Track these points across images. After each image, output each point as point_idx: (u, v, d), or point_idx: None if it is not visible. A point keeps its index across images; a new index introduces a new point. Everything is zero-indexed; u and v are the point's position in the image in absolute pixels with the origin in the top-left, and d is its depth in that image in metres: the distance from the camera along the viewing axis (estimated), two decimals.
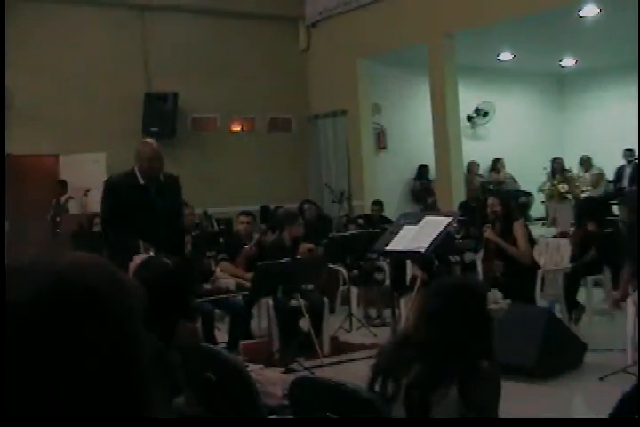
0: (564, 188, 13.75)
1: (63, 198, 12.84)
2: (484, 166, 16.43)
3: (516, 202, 10.21)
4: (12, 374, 1.04)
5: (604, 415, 5.43)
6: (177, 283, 3.48)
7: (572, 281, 8.28)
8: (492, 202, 7.96)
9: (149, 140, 7.08)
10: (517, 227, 7.66)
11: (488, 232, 7.83)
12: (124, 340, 1.10)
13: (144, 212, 6.19)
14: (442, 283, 3.40)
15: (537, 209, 15.72)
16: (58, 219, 12.62)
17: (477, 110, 16.59)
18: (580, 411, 5.84)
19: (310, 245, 8.88)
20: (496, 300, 7.69)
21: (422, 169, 15.40)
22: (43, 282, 1.07)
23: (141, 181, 6.37)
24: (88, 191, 12.27)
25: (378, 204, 12.50)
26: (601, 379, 6.08)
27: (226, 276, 8.41)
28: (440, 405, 2.95)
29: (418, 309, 3.31)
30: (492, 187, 15.39)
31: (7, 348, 1.05)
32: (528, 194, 15.65)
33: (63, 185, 12.93)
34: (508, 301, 7.61)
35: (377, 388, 3.09)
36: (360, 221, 11.70)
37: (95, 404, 1.06)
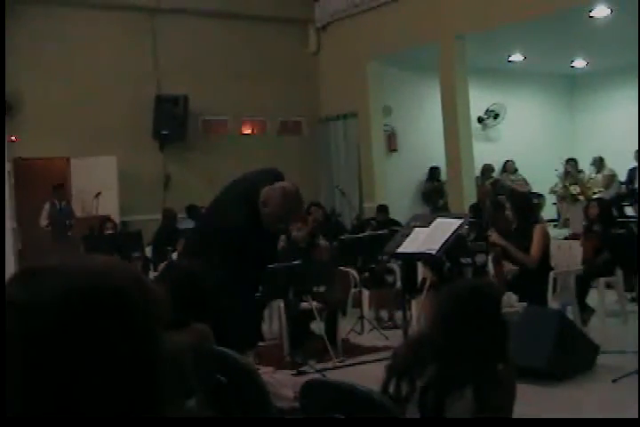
0: (575, 189, 13.71)
1: (64, 202, 12.79)
2: (495, 168, 16.40)
3: (533, 204, 10.15)
4: (31, 371, 1.05)
5: (616, 417, 5.42)
6: (197, 285, 3.50)
7: (584, 283, 8.26)
8: (507, 204, 7.96)
9: (287, 186, 5.19)
10: (537, 231, 7.61)
11: (493, 236, 7.80)
12: (144, 341, 1.11)
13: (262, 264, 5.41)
14: (458, 286, 3.40)
15: (548, 211, 15.68)
16: (67, 222, 12.60)
17: (488, 112, 16.57)
18: (592, 413, 5.81)
19: (325, 243, 8.93)
20: (511, 303, 7.66)
21: (433, 170, 15.40)
22: (73, 281, 1.09)
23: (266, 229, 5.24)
24: (99, 194, 12.30)
25: (382, 209, 12.48)
26: (614, 381, 6.06)
27: None
28: (454, 407, 2.95)
29: (433, 311, 3.31)
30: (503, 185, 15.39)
31: (31, 344, 1.06)
32: (539, 195, 15.61)
33: (61, 189, 12.86)
34: (523, 304, 7.58)
35: (391, 389, 3.09)
36: (373, 222, 11.70)
37: (109, 402, 1.07)
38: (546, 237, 7.75)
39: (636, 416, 5.45)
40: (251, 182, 5.34)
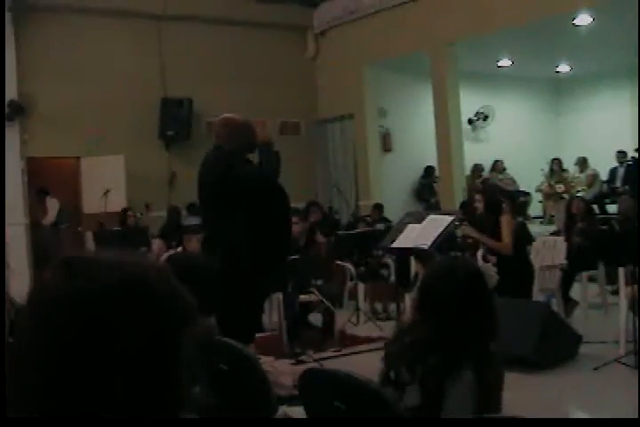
0: (560, 188, 13.73)
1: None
2: (485, 167, 16.41)
3: (513, 201, 10.10)
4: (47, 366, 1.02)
5: (598, 403, 5.44)
6: (198, 277, 3.47)
7: (568, 277, 8.27)
8: (476, 198, 7.92)
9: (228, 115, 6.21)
10: (503, 221, 7.56)
11: (466, 229, 7.77)
12: (166, 342, 1.07)
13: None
14: (445, 269, 3.26)
15: (535, 208, 15.71)
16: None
17: (478, 114, 16.58)
18: (576, 399, 5.83)
19: (322, 239, 8.95)
20: (489, 272, 7.54)
21: (429, 169, 15.35)
22: (107, 278, 1.06)
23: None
24: (108, 192, 12.31)
25: (378, 207, 12.51)
26: (595, 369, 6.08)
27: None
28: (454, 388, 2.93)
29: (426, 302, 3.20)
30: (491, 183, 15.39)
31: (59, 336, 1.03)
32: (526, 193, 15.64)
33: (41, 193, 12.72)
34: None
35: (392, 376, 3.05)
36: (368, 219, 11.72)
37: (125, 401, 1.03)
38: (512, 225, 7.66)
39: (616, 401, 5.48)
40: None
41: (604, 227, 9.49)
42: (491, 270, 7.54)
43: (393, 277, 9.21)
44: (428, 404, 2.95)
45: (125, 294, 1.04)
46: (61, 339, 1.02)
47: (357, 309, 8.89)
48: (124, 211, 11.95)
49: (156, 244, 11.38)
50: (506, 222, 7.53)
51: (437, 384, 2.94)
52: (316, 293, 7.54)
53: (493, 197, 7.99)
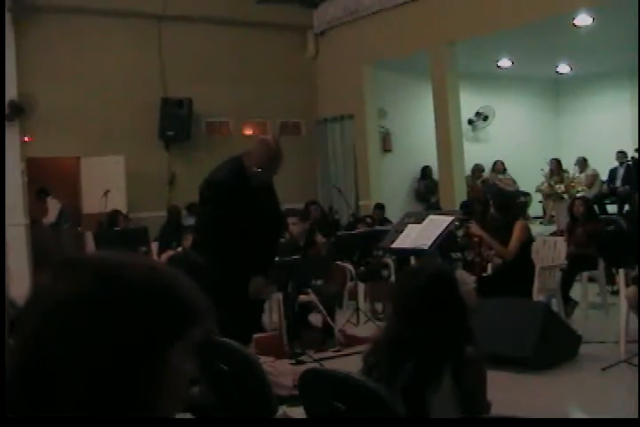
0: (560, 188, 13.72)
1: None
2: (485, 168, 16.42)
3: (514, 202, 10.10)
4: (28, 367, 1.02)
5: (598, 404, 5.44)
6: (200, 278, 3.46)
7: (568, 277, 8.27)
8: (490, 202, 7.95)
9: (269, 139, 5.99)
10: (517, 227, 7.57)
11: (472, 227, 7.77)
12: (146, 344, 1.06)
13: (251, 220, 5.57)
14: (412, 276, 3.25)
15: (535, 208, 15.71)
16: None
17: (478, 114, 16.58)
18: (575, 399, 5.82)
19: (322, 240, 8.95)
20: (464, 280, 7.54)
21: (425, 169, 15.41)
22: (82, 279, 1.06)
23: (253, 184, 5.67)
24: (108, 192, 12.31)
25: (379, 207, 12.53)
26: (603, 369, 6.05)
27: None
28: (436, 396, 2.92)
29: (395, 307, 3.20)
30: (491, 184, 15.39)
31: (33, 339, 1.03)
32: (526, 194, 15.63)
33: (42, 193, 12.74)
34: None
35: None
36: (368, 220, 11.71)
37: (98, 402, 1.02)
38: (525, 233, 7.67)
39: (616, 401, 5.48)
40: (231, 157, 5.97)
41: (610, 227, 9.48)
42: (468, 279, 7.52)
43: (393, 278, 9.21)
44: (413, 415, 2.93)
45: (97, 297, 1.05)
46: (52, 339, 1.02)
47: (357, 309, 8.89)
48: (115, 213, 11.91)
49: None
50: (519, 228, 7.52)
51: (419, 396, 2.93)
52: (312, 294, 7.53)
53: (502, 198, 8.00)
